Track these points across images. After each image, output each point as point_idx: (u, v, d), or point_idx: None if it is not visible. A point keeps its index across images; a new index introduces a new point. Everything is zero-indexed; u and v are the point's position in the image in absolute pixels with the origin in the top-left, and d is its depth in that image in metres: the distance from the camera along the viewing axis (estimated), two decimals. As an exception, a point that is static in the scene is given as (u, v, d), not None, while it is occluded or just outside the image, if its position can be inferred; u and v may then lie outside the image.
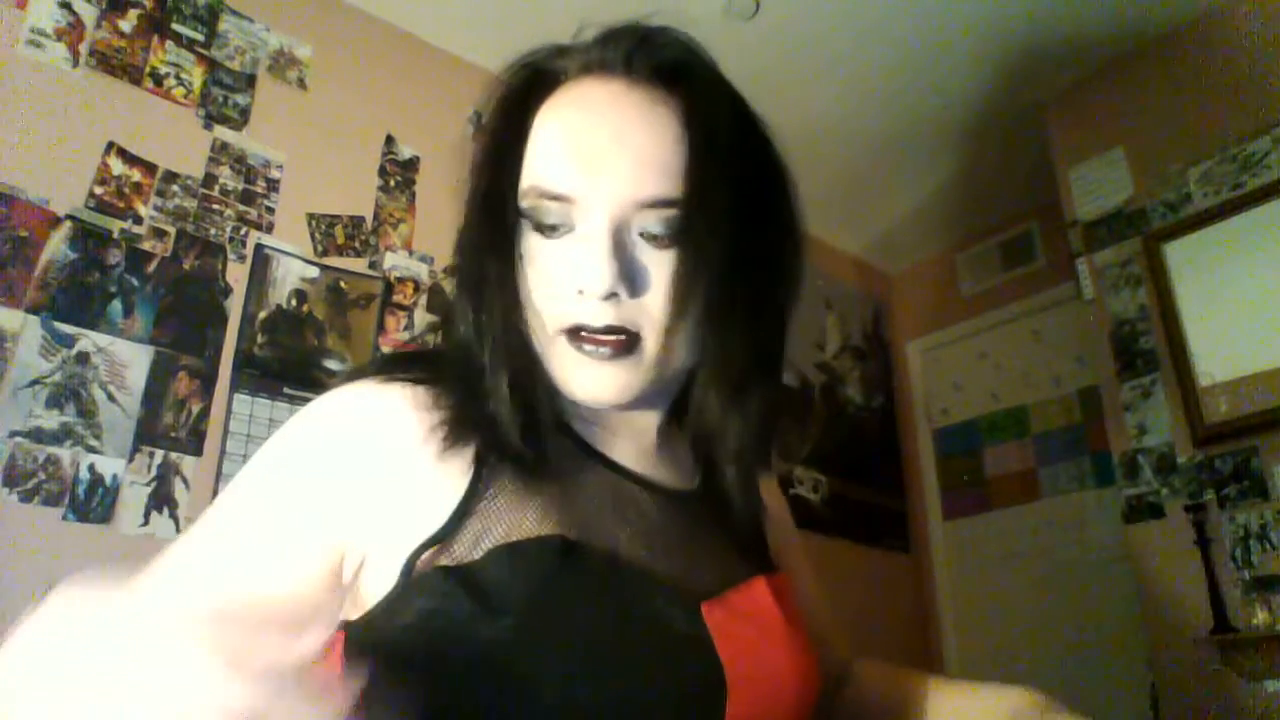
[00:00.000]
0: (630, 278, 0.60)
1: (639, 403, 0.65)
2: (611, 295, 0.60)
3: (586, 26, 0.67)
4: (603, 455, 0.67)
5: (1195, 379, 2.38)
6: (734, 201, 0.63)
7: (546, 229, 0.62)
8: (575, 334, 0.61)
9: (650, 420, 0.71)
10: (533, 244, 0.63)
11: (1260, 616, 2.11)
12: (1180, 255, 2.49)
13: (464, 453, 0.60)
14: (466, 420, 0.61)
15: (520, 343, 0.63)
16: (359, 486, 0.59)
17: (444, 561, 0.57)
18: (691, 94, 0.63)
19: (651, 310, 0.61)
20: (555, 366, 0.63)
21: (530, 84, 0.66)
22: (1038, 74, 2.83)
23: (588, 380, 0.62)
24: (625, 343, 0.61)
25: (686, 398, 0.70)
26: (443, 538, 0.57)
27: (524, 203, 0.63)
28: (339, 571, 0.58)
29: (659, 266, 0.61)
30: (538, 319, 0.63)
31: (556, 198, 0.61)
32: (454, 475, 0.60)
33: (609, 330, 0.60)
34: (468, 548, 0.57)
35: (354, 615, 0.59)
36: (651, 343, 0.62)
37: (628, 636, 0.58)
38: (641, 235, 0.61)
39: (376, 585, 0.58)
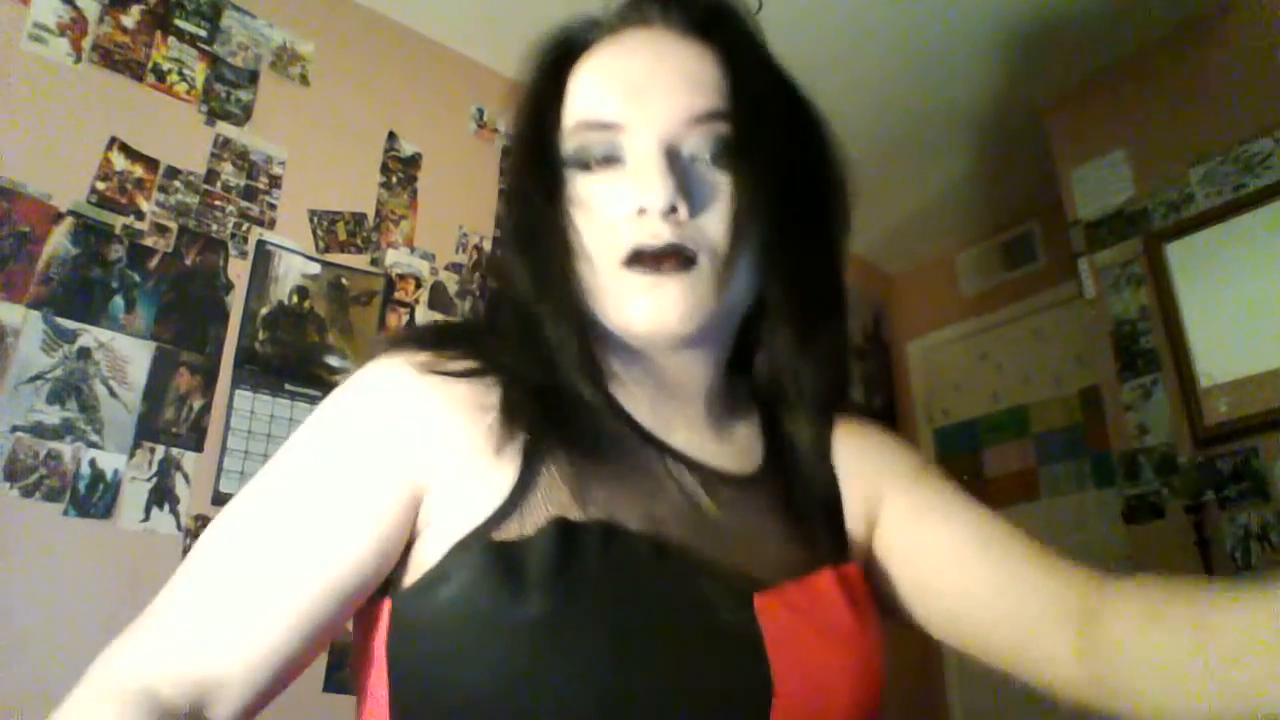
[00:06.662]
0: (688, 193, 0.60)
1: (694, 345, 0.63)
2: (671, 211, 0.58)
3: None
4: (653, 436, 0.65)
5: (1196, 379, 2.38)
6: (779, 123, 0.63)
7: (596, 163, 0.62)
8: (634, 261, 0.59)
9: (702, 374, 0.67)
10: (580, 186, 0.62)
11: (1260, 617, 2.11)
12: (1182, 256, 2.49)
13: (515, 442, 0.59)
14: (517, 408, 0.59)
15: (578, 294, 0.62)
16: (422, 449, 0.59)
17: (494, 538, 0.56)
18: (727, 37, 0.64)
19: (709, 230, 0.60)
20: (613, 305, 0.61)
21: (565, 48, 0.67)
22: (1039, 74, 2.83)
23: (651, 305, 0.59)
24: (682, 261, 0.59)
25: (747, 356, 0.69)
26: (495, 524, 0.56)
27: (569, 144, 0.63)
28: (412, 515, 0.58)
29: (715, 187, 0.61)
30: (590, 265, 0.61)
31: (603, 127, 0.62)
32: (505, 466, 0.58)
33: (669, 248, 0.59)
34: (515, 530, 0.56)
35: (406, 582, 0.58)
36: (708, 263, 0.60)
37: (667, 625, 0.55)
38: (694, 159, 0.61)
39: (427, 556, 0.57)
